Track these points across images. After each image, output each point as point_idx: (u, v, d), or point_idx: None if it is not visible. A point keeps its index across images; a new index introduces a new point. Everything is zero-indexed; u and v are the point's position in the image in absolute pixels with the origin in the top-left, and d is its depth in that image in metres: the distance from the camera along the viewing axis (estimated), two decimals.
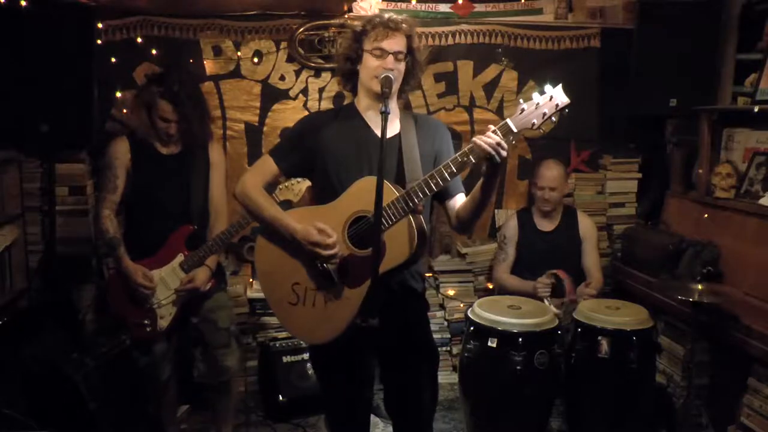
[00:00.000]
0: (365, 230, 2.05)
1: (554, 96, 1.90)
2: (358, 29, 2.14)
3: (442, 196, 2.19)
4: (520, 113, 1.92)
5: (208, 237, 2.89)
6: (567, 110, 1.92)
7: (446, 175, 2.00)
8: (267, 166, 2.20)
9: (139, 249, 2.83)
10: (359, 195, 2.05)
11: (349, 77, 2.20)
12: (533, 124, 1.91)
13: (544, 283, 3.32)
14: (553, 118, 1.92)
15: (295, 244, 2.11)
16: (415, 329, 2.26)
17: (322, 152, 2.15)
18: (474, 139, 1.93)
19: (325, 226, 2.06)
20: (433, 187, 2.01)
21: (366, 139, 2.13)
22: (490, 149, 1.89)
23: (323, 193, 2.17)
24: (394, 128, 2.16)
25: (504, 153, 1.91)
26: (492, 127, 1.93)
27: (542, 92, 1.92)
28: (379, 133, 1.98)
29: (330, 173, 2.13)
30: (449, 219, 2.25)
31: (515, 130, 1.92)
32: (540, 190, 3.54)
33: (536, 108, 1.90)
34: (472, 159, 1.97)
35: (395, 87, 2.09)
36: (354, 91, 2.23)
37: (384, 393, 2.36)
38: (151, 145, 2.86)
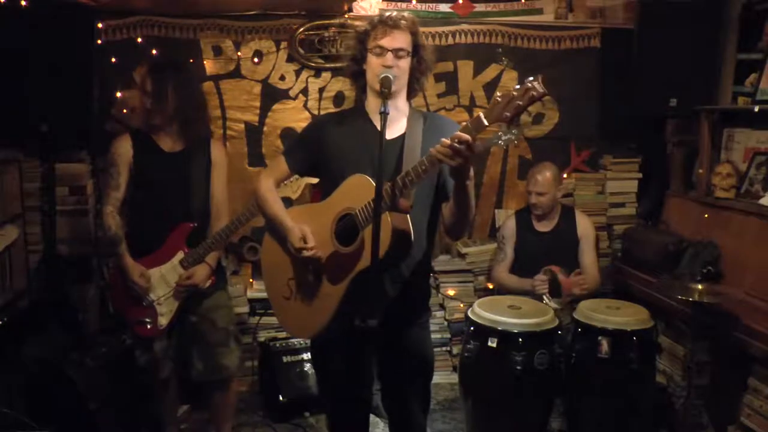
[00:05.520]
0: (349, 228, 2.07)
1: (529, 87, 1.79)
2: (361, 29, 2.16)
3: (445, 195, 2.18)
4: (493, 106, 1.84)
5: (209, 235, 2.89)
6: (542, 100, 1.85)
7: (420, 171, 1.95)
8: (279, 165, 2.30)
9: (141, 246, 2.83)
10: (348, 192, 2.08)
11: (358, 78, 2.21)
12: (506, 116, 1.81)
13: (542, 279, 3.31)
14: (528, 110, 1.85)
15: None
16: (412, 336, 2.25)
17: (329, 152, 2.17)
18: (434, 149, 1.88)
19: (307, 231, 2.11)
20: (408, 184, 1.97)
21: (371, 139, 2.12)
22: (441, 157, 1.86)
23: (329, 192, 2.18)
24: (399, 128, 2.17)
25: (466, 152, 1.83)
26: (464, 123, 1.89)
27: (521, 84, 1.82)
28: (384, 133, 1.98)
29: (336, 173, 2.15)
30: (443, 221, 2.25)
31: (486, 124, 1.83)
32: (528, 194, 3.55)
33: (509, 101, 1.80)
34: (429, 164, 1.93)
35: (397, 86, 2.08)
36: (364, 91, 2.23)
37: (381, 390, 2.38)
38: (154, 142, 2.85)
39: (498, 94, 1.85)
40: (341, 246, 2.09)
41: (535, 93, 1.78)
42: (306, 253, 2.10)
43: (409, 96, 2.22)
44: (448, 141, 1.84)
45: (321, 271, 2.14)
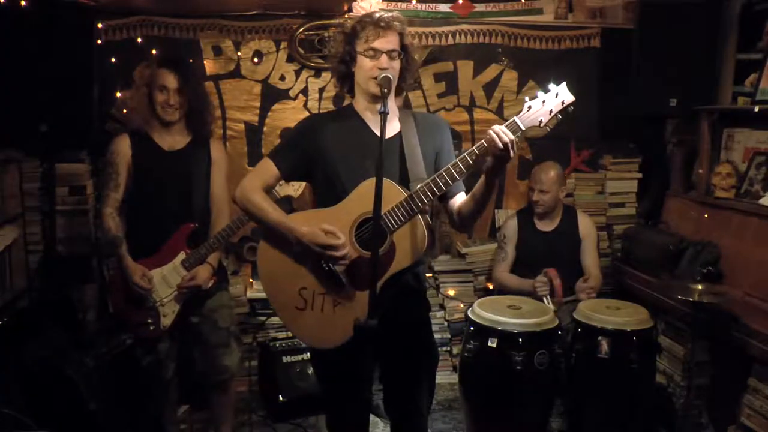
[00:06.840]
0: (371, 232, 2.04)
1: (559, 93, 1.94)
2: (349, 31, 2.12)
3: (444, 195, 2.18)
4: (528, 110, 1.94)
5: (210, 235, 2.89)
6: (572, 108, 1.95)
7: (455, 174, 1.99)
8: (267, 169, 2.17)
9: (141, 247, 2.83)
10: (365, 197, 2.01)
11: (346, 79, 2.18)
12: (540, 122, 1.94)
13: (542, 281, 3.31)
14: (559, 116, 1.95)
15: (301, 247, 2.09)
16: (416, 329, 2.25)
17: (323, 155, 2.13)
18: (490, 131, 1.91)
19: (332, 228, 2.05)
20: (442, 187, 2.01)
21: (366, 140, 2.11)
22: (500, 144, 1.89)
23: (325, 195, 2.15)
24: (394, 128, 2.15)
25: (513, 151, 1.92)
26: (497, 126, 1.92)
27: (547, 90, 1.95)
28: (378, 133, 1.96)
29: (332, 176, 2.12)
30: (450, 217, 2.25)
31: (523, 128, 1.93)
32: (531, 191, 3.57)
33: (543, 105, 1.93)
34: (478, 155, 1.97)
35: (393, 86, 2.07)
36: (351, 93, 2.21)
37: (383, 392, 2.36)
38: (153, 141, 2.85)
39: (527, 99, 1.95)
40: (365, 251, 2.05)
41: (565, 100, 1.93)
42: (336, 253, 2.03)
43: (397, 95, 2.21)
44: (498, 133, 1.89)
45: (345, 277, 2.08)
